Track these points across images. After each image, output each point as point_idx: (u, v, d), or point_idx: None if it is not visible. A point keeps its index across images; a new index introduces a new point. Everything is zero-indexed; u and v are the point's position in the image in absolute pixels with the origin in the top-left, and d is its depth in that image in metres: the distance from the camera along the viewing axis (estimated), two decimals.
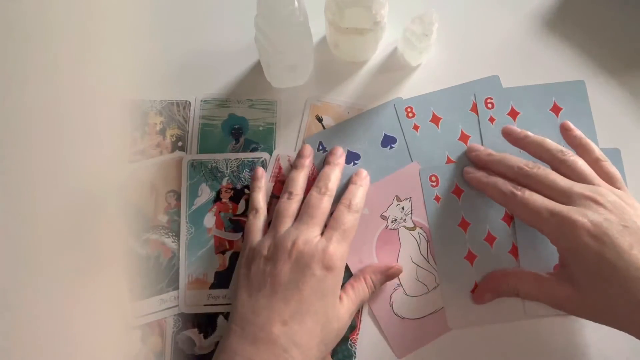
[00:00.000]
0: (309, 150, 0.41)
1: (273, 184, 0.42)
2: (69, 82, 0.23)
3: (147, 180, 0.41)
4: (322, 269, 0.34)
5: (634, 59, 0.45)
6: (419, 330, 0.38)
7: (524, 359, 0.37)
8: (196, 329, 0.38)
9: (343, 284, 0.36)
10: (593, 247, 0.31)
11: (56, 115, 0.22)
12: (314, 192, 0.38)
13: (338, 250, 0.35)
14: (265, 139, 0.43)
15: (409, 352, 0.37)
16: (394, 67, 0.45)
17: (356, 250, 0.39)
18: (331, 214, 0.38)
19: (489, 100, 0.43)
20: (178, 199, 0.41)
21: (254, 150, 0.42)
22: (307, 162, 0.41)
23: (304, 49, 0.40)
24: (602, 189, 0.34)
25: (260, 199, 0.40)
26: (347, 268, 0.38)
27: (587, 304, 0.33)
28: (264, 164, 0.42)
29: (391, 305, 0.38)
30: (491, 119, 0.43)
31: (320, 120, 0.43)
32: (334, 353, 0.37)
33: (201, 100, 0.44)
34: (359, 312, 0.38)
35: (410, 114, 0.43)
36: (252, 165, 0.42)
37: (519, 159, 0.38)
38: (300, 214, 0.37)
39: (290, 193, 0.39)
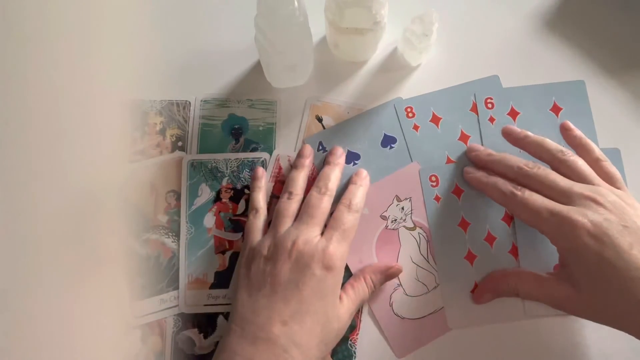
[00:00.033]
0: (309, 150, 0.41)
1: (273, 184, 0.42)
2: (69, 82, 0.23)
3: (147, 180, 0.41)
4: (322, 268, 0.34)
5: (634, 59, 0.45)
6: (419, 330, 0.38)
7: (524, 359, 0.37)
8: (196, 329, 0.38)
9: (343, 284, 0.36)
10: (593, 247, 0.31)
11: (56, 115, 0.22)
12: (314, 192, 0.38)
13: (338, 250, 0.35)
14: (265, 139, 0.43)
15: (409, 352, 0.37)
16: (394, 67, 0.45)
17: (356, 250, 0.39)
18: (331, 213, 0.38)
19: (489, 100, 0.43)
20: (178, 199, 0.41)
21: (254, 150, 0.42)
22: (307, 162, 0.41)
23: (304, 49, 0.40)
24: (602, 189, 0.34)
25: (261, 198, 0.40)
26: (347, 268, 0.38)
27: (587, 303, 0.33)
28: (264, 164, 0.42)
29: (391, 305, 0.38)
30: (491, 119, 0.43)
31: (320, 120, 0.43)
32: (334, 353, 0.37)
33: (201, 100, 0.44)
34: (359, 312, 0.38)
35: (410, 114, 0.43)
36: (252, 165, 0.42)
37: (518, 159, 0.38)
38: (300, 214, 0.37)
39: (290, 193, 0.39)
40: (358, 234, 0.38)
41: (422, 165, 0.42)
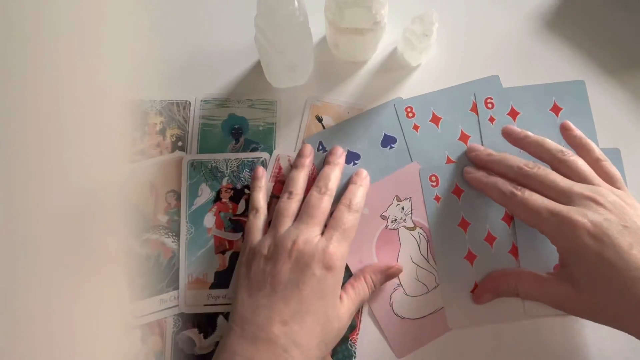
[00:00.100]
0: (309, 150, 0.41)
1: (273, 184, 0.42)
2: (69, 82, 0.23)
3: (147, 180, 0.41)
4: (322, 268, 0.34)
5: (634, 59, 0.45)
6: (419, 330, 0.38)
7: (524, 359, 0.37)
8: (196, 329, 0.38)
9: (343, 284, 0.36)
10: (593, 247, 0.31)
11: (56, 115, 0.22)
12: (314, 192, 0.38)
13: (338, 250, 0.35)
14: (265, 139, 0.43)
15: (409, 352, 0.37)
16: (394, 67, 0.45)
17: (356, 250, 0.39)
18: (331, 213, 0.38)
19: (489, 100, 0.43)
20: (178, 199, 0.41)
21: (254, 150, 0.42)
22: (307, 162, 0.41)
23: (304, 49, 0.40)
24: (602, 189, 0.34)
25: (261, 198, 0.40)
26: (347, 268, 0.38)
27: (587, 303, 0.33)
28: (264, 164, 0.42)
29: (391, 305, 0.38)
30: (491, 119, 0.43)
31: (320, 120, 0.43)
32: (334, 353, 0.37)
33: (201, 100, 0.44)
34: (359, 312, 0.38)
35: (410, 114, 0.43)
36: (252, 165, 0.42)
37: (518, 159, 0.38)
38: (300, 214, 0.37)
39: (291, 193, 0.39)
40: (358, 234, 0.38)
41: (422, 165, 0.42)
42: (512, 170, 0.37)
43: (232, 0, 0.47)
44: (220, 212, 0.41)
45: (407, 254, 0.39)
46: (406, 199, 0.41)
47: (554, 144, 0.37)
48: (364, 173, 0.40)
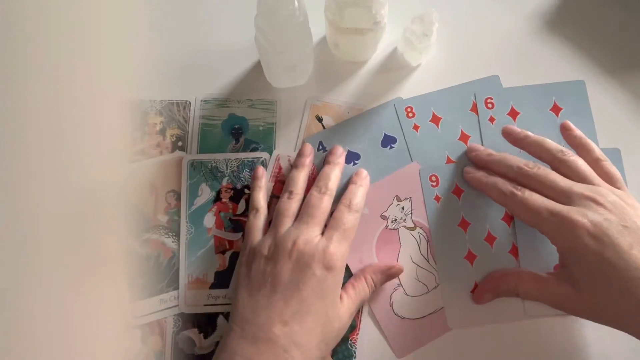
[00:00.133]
0: (309, 150, 0.41)
1: (273, 184, 0.42)
2: (69, 82, 0.23)
3: (147, 180, 0.41)
4: (322, 268, 0.34)
5: (634, 59, 0.45)
6: (419, 330, 0.38)
7: (524, 359, 0.37)
8: (196, 329, 0.38)
9: (343, 284, 0.36)
10: (593, 247, 0.31)
11: (56, 115, 0.22)
12: (314, 192, 0.38)
13: (338, 250, 0.35)
14: (265, 139, 0.43)
15: (409, 352, 0.37)
16: (394, 67, 0.45)
17: (356, 250, 0.39)
18: (331, 213, 0.38)
19: (489, 100, 0.43)
20: (178, 199, 0.41)
21: (254, 150, 0.42)
22: (308, 162, 0.41)
23: (304, 49, 0.40)
24: (602, 189, 0.34)
25: (261, 198, 0.40)
26: (347, 268, 0.38)
27: (587, 303, 0.33)
28: (264, 164, 0.42)
29: (391, 305, 0.38)
30: (491, 119, 0.43)
31: (320, 120, 0.43)
32: (334, 353, 0.37)
33: (201, 100, 0.44)
34: (359, 312, 0.38)
35: (410, 114, 0.43)
36: (252, 165, 0.42)
37: (519, 159, 0.38)
38: (301, 214, 0.37)
39: (291, 192, 0.39)
40: (358, 234, 0.38)
41: (422, 165, 0.42)
42: (512, 170, 0.37)
43: (232, 0, 0.47)
44: (220, 212, 0.41)
45: (407, 254, 0.39)
46: (406, 199, 0.41)
47: (554, 144, 0.37)
48: (364, 173, 0.40)
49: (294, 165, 0.41)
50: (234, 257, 0.40)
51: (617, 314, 0.32)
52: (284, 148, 0.43)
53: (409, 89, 0.44)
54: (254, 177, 0.41)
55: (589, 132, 0.41)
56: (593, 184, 0.35)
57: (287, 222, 0.37)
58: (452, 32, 0.45)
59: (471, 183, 0.40)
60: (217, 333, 0.38)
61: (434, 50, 0.45)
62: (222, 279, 0.39)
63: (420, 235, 0.40)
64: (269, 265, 0.35)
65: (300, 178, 0.40)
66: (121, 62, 0.26)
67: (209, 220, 0.40)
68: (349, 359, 0.37)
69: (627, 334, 0.32)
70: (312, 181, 0.40)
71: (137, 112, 0.43)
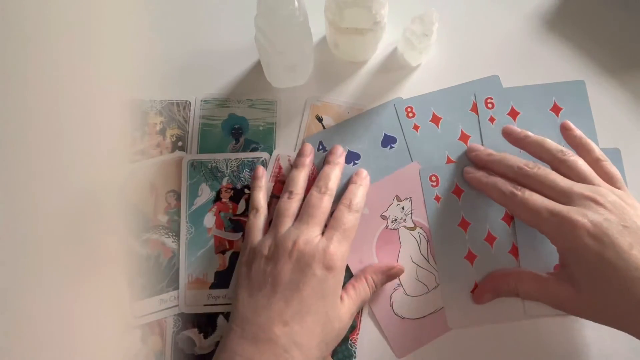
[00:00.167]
0: (309, 149, 0.41)
1: (273, 184, 0.42)
2: (69, 82, 0.23)
3: (147, 180, 0.41)
4: (322, 269, 0.34)
5: (634, 59, 0.45)
6: (419, 330, 0.38)
7: (524, 359, 0.37)
8: (196, 329, 0.38)
9: (344, 284, 0.36)
10: (593, 247, 0.31)
11: (56, 115, 0.22)
12: (314, 192, 0.38)
13: (339, 250, 0.35)
14: (265, 139, 0.43)
15: (409, 352, 0.37)
16: (394, 67, 0.45)
17: (356, 250, 0.39)
18: (331, 213, 0.38)
19: (489, 100, 0.43)
20: (178, 199, 0.41)
21: (254, 150, 0.42)
22: (308, 161, 0.41)
23: (304, 49, 0.40)
24: (602, 189, 0.34)
25: (261, 198, 0.40)
26: (347, 268, 0.38)
27: (587, 303, 0.33)
28: (264, 164, 0.42)
29: (391, 305, 0.38)
30: (491, 119, 0.43)
31: (320, 120, 0.43)
32: (334, 353, 0.37)
33: (201, 100, 0.44)
34: (359, 312, 0.38)
35: (410, 114, 0.43)
36: (252, 165, 0.42)
37: (519, 159, 0.38)
38: (301, 214, 0.37)
39: (291, 192, 0.39)
40: (358, 234, 0.38)
41: (422, 165, 0.42)
42: (512, 170, 0.37)
43: (232, 0, 0.47)
44: (220, 212, 0.41)
45: (407, 254, 0.39)
46: (406, 199, 0.41)
47: (554, 144, 0.37)
48: (364, 173, 0.40)
49: (294, 165, 0.41)
50: (234, 257, 0.40)
51: (617, 314, 0.32)
52: (284, 148, 0.43)
53: (409, 89, 0.44)
54: (254, 177, 0.41)
55: (589, 132, 0.41)
56: (593, 184, 0.35)
57: (287, 222, 0.37)
58: (452, 32, 0.45)
59: (471, 183, 0.40)
60: (217, 333, 0.38)
61: (434, 50, 0.45)
62: (222, 279, 0.39)
63: (420, 235, 0.40)
64: (269, 265, 0.35)
65: (300, 178, 0.40)
66: (121, 62, 0.26)
67: (209, 220, 0.40)
68: (349, 359, 0.37)
69: (627, 334, 0.32)
70: (312, 181, 0.40)
71: (137, 112, 0.43)
